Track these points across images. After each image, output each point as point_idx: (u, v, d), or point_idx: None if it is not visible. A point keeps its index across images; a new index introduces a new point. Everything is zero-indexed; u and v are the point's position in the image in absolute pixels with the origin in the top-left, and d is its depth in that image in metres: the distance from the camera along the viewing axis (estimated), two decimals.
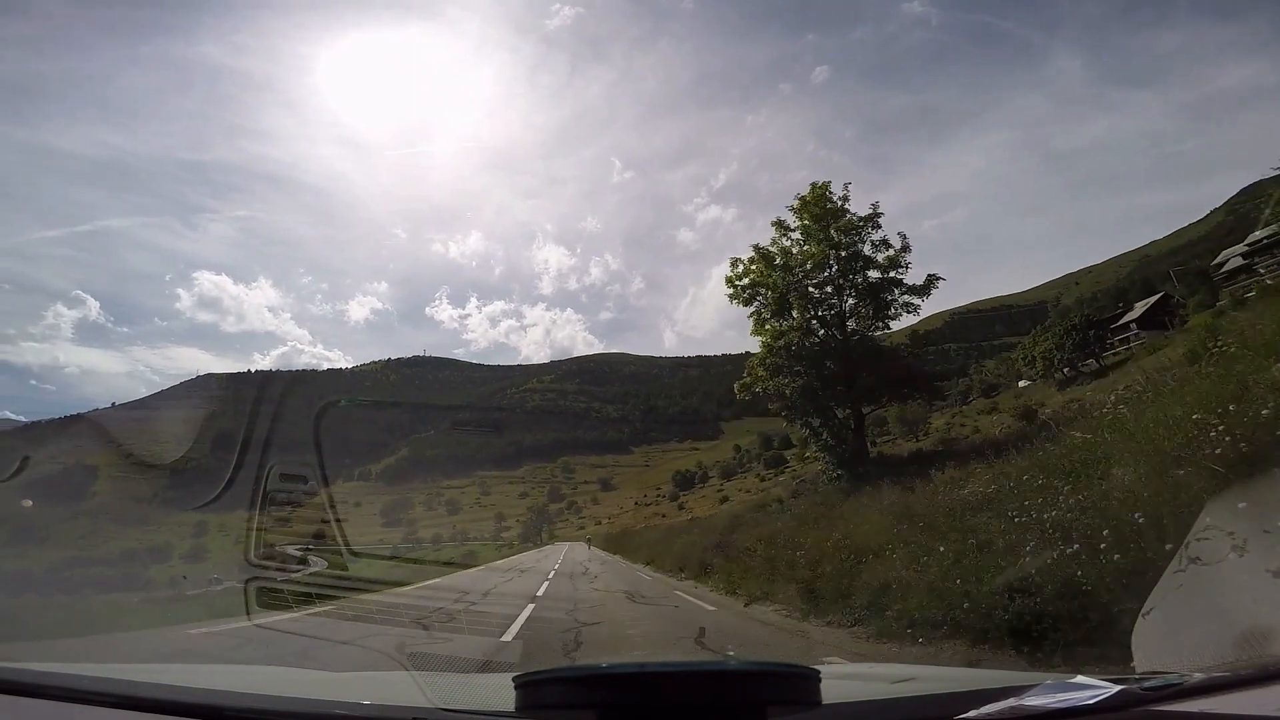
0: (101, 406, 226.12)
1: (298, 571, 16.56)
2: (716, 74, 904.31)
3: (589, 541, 68.83)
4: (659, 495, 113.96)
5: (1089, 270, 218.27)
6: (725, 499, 64.68)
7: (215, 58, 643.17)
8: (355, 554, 22.80)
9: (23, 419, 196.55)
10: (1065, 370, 37.24)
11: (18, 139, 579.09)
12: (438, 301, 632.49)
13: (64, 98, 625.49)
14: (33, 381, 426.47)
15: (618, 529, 66.88)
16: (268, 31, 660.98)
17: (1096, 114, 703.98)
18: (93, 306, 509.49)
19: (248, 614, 8.94)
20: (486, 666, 5.91)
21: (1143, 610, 3.12)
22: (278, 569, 14.27)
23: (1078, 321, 38.43)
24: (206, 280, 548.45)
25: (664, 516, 69.38)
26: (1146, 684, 1.45)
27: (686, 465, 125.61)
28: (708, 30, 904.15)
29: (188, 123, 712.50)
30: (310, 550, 25.33)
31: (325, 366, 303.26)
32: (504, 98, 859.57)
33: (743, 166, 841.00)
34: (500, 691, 1.59)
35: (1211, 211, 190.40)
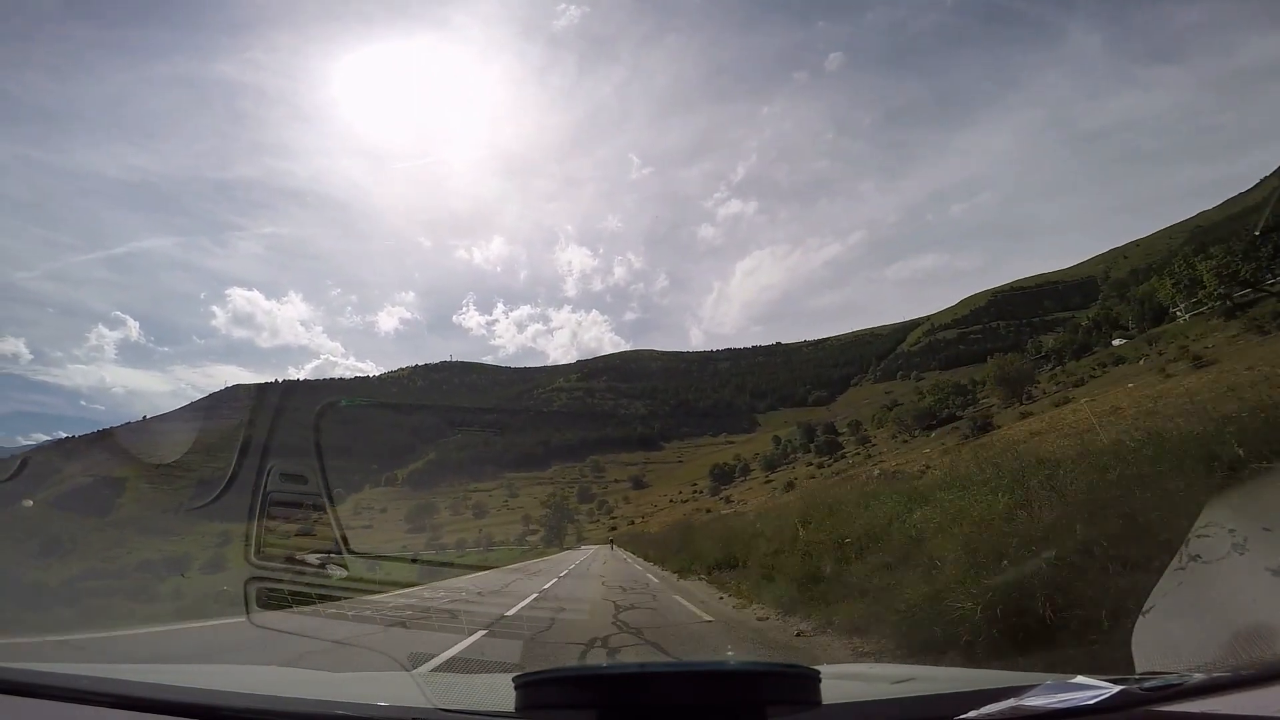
0: (133, 420, 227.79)
1: (318, 579, 15.13)
2: (728, 66, 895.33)
3: (612, 543, 59.34)
4: (695, 491, 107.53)
5: (1136, 244, 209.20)
6: (790, 484, 56.53)
7: (230, 75, 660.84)
8: (355, 555, 21.41)
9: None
10: (1240, 293, 28.79)
11: (49, 163, 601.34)
12: (465, 309, 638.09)
13: (88, 121, 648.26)
14: (82, 402, 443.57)
15: (658, 526, 58.99)
16: (278, 46, 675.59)
17: (1123, 91, 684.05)
18: (133, 327, 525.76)
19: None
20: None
21: (1143, 609, 2.93)
22: (293, 574, 12.98)
23: (1269, 221, 29.13)
24: (239, 297, 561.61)
25: (709, 512, 62.65)
26: (1146, 684, 1.45)
27: (723, 459, 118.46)
28: (715, 23, 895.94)
29: (209, 141, 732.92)
30: (332, 557, 22.49)
31: (353, 375, 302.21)
32: (515, 101, 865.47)
33: (761, 159, 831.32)
34: (500, 691, 1.59)
35: (1264, 179, 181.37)
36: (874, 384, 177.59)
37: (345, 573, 18.33)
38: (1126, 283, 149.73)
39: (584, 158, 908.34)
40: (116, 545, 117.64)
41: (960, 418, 48.64)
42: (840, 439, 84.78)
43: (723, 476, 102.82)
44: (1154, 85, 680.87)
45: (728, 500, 70.00)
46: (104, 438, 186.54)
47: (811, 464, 73.45)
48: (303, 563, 18.34)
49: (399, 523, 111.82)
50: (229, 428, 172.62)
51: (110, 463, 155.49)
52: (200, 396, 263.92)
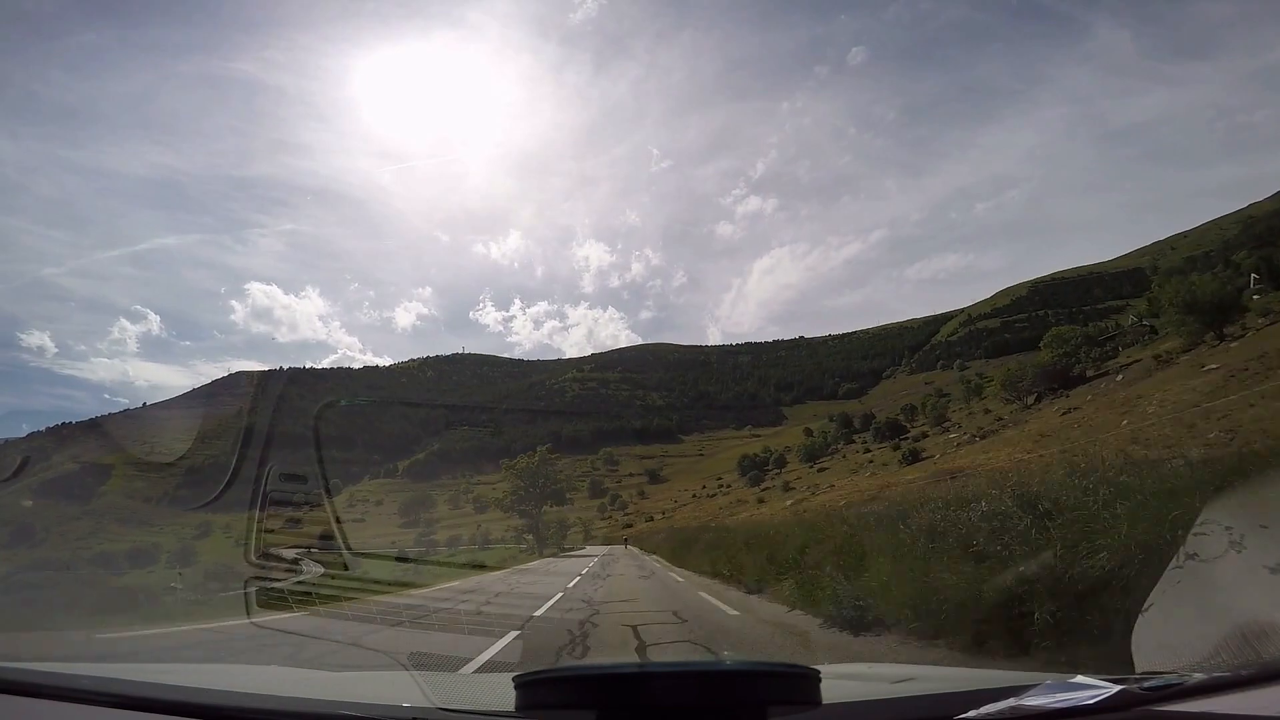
0: (132, 407, 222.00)
1: (284, 578, 14.63)
2: (747, 61, 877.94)
3: (626, 541, 49.62)
4: (720, 485, 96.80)
5: (1184, 235, 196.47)
6: (913, 455, 42.52)
7: (249, 73, 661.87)
8: (356, 554, 20.87)
9: None
10: None
11: (74, 161, 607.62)
12: (482, 305, 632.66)
13: (111, 119, 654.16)
14: (106, 395, 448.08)
15: (689, 520, 46.87)
16: (296, 45, 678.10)
17: (1153, 88, 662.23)
18: (154, 321, 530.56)
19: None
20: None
21: (1142, 608, 2.95)
22: (258, 573, 13.11)
23: None
24: (259, 293, 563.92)
25: (761, 503, 51.60)
26: (1146, 684, 1.45)
27: (750, 451, 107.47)
28: (734, 17, 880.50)
29: (230, 140, 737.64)
30: (312, 552, 24.02)
31: (361, 366, 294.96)
32: (531, 99, 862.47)
33: (781, 155, 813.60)
34: (500, 691, 1.59)
35: None
36: (909, 375, 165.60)
37: (322, 570, 18.21)
38: (1182, 270, 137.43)
39: (601, 155, 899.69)
40: (91, 535, 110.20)
41: (1102, 374, 37.36)
42: (901, 423, 73.35)
43: (754, 469, 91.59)
44: (1185, 82, 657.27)
45: (786, 488, 58.03)
46: (99, 424, 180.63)
47: (870, 450, 63.17)
48: (277, 558, 18.31)
49: (393, 516, 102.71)
50: (228, 415, 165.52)
51: (99, 449, 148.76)
52: (204, 383, 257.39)
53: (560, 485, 55.99)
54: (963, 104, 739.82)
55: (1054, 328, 54.31)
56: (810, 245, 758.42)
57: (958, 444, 38.56)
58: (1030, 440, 25.89)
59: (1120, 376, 33.29)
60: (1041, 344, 48.43)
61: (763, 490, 70.06)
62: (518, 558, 36.47)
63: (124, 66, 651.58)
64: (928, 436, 51.95)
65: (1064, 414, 29.70)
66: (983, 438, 36.20)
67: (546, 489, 53.26)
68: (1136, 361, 35.91)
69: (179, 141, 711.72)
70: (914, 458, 42.12)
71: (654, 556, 28.80)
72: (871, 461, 55.06)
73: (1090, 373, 40.24)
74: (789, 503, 37.55)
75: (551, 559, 34.18)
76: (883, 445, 63.86)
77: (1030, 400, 40.34)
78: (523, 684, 1.37)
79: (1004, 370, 45.59)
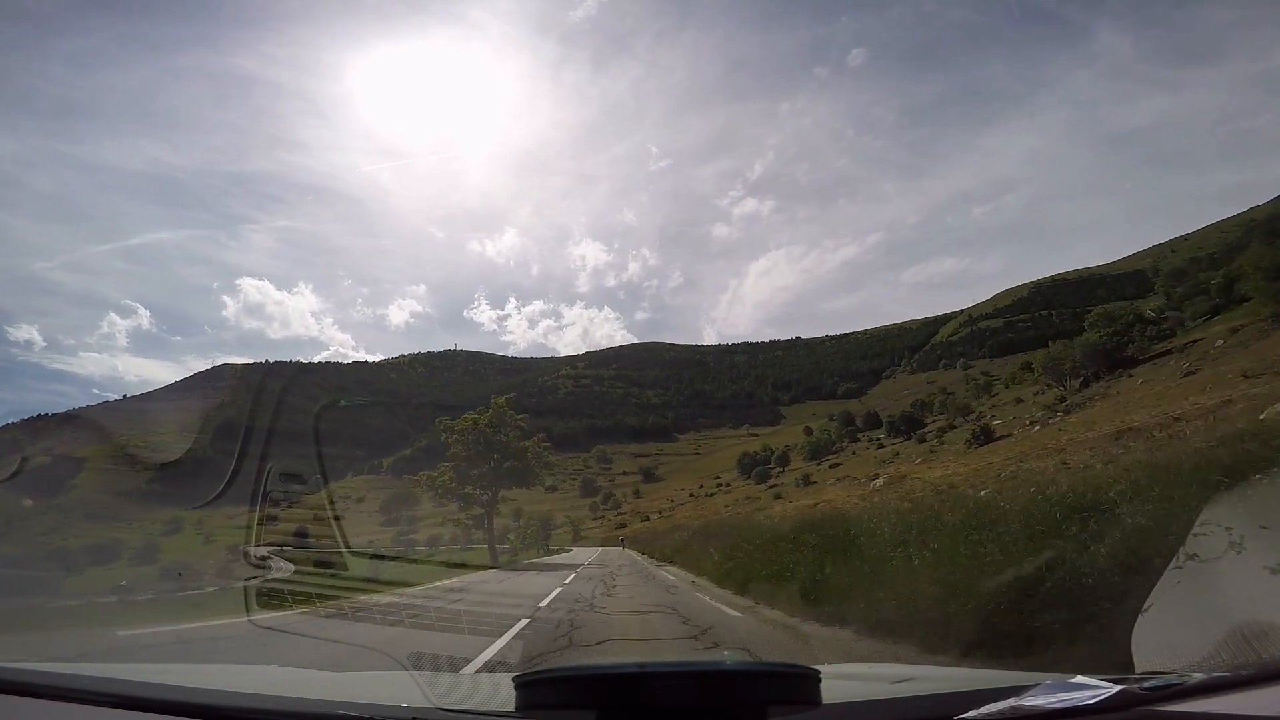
0: (113, 399, 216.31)
1: (257, 575, 14.80)
2: (747, 61, 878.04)
3: (624, 543, 46.48)
4: (719, 484, 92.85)
5: (1185, 238, 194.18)
6: (984, 434, 36.80)
7: (246, 68, 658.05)
8: (354, 553, 19.92)
9: None
10: None
11: (72, 155, 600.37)
12: (476, 304, 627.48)
13: (109, 114, 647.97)
14: (95, 390, 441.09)
15: (702, 518, 42.07)
16: (295, 41, 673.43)
17: (1155, 92, 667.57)
18: (145, 316, 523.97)
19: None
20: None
21: (1142, 608, 2.94)
22: (222, 571, 15.59)
23: None
24: (251, 289, 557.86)
25: (779, 499, 47.53)
26: (1146, 684, 1.45)
27: (749, 450, 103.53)
28: (735, 17, 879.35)
29: (227, 135, 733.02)
30: (284, 550, 23.55)
31: (350, 361, 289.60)
32: (530, 97, 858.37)
33: (779, 156, 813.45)
34: (500, 691, 1.60)
35: None
36: (910, 375, 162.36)
37: (293, 568, 18.18)
38: (1186, 271, 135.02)
39: (599, 154, 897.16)
40: (54, 530, 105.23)
41: (1160, 354, 33.65)
42: (916, 417, 69.63)
43: (756, 467, 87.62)
44: (1187, 86, 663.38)
45: (805, 481, 53.47)
46: (76, 417, 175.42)
47: (884, 445, 59.96)
48: (244, 555, 20.31)
49: (374, 514, 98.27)
50: (209, 409, 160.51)
51: (74, 442, 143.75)
52: (187, 375, 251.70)
53: (527, 455, 36.82)
54: (963, 107, 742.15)
55: (1099, 306, 50.93)
56: (807, 247, 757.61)
57: (1030, 422, 34.61)
58: (1194, 391, 20.63)
59: (1220, 342, 29.69)
60: (1086, 324, 45.62)
61: (769, 487, 66.00)
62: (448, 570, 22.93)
63: (123, 62, 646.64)
64: (955, 428, 48.39)
65: (1186, 375, 26.07)
66: (1066, 413, 32.41)
67: (504, 462, 35.66)
68: (1197, 341, 32.45)
69: (176, 137, 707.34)
70: (986, 437, 37.23)
71: (670, 567, 20.20)
72: (897, 455, 51.44)
73: (1138, 355, 36.94)
74: (877, 483, 31.44)
75: (506, 573, 22.07)
76: (896, 440, 61.42)
77: (1076, 384, 36.79)
78: (523, 684, 1.37)
79: (1044, 354, 42.24)
